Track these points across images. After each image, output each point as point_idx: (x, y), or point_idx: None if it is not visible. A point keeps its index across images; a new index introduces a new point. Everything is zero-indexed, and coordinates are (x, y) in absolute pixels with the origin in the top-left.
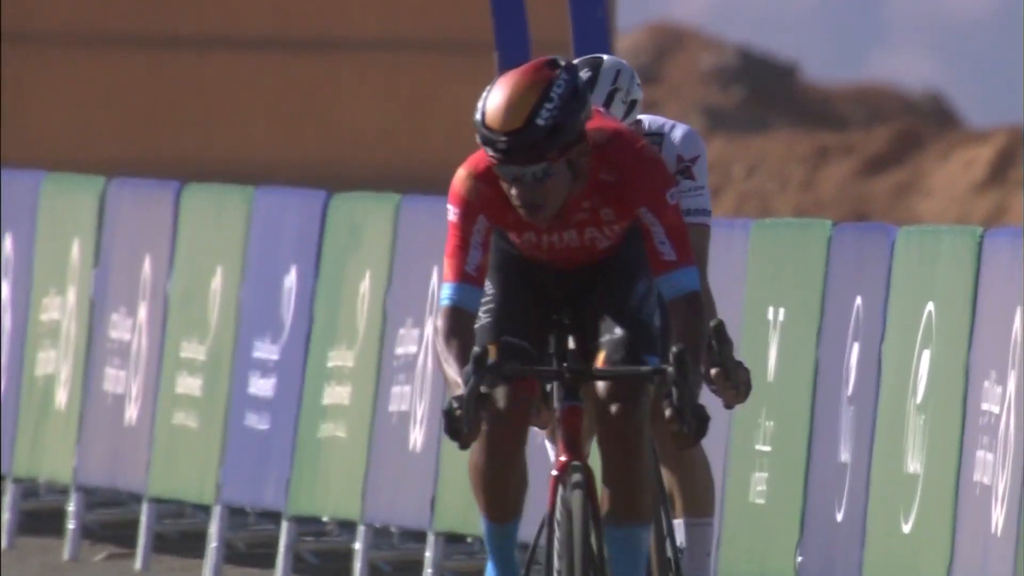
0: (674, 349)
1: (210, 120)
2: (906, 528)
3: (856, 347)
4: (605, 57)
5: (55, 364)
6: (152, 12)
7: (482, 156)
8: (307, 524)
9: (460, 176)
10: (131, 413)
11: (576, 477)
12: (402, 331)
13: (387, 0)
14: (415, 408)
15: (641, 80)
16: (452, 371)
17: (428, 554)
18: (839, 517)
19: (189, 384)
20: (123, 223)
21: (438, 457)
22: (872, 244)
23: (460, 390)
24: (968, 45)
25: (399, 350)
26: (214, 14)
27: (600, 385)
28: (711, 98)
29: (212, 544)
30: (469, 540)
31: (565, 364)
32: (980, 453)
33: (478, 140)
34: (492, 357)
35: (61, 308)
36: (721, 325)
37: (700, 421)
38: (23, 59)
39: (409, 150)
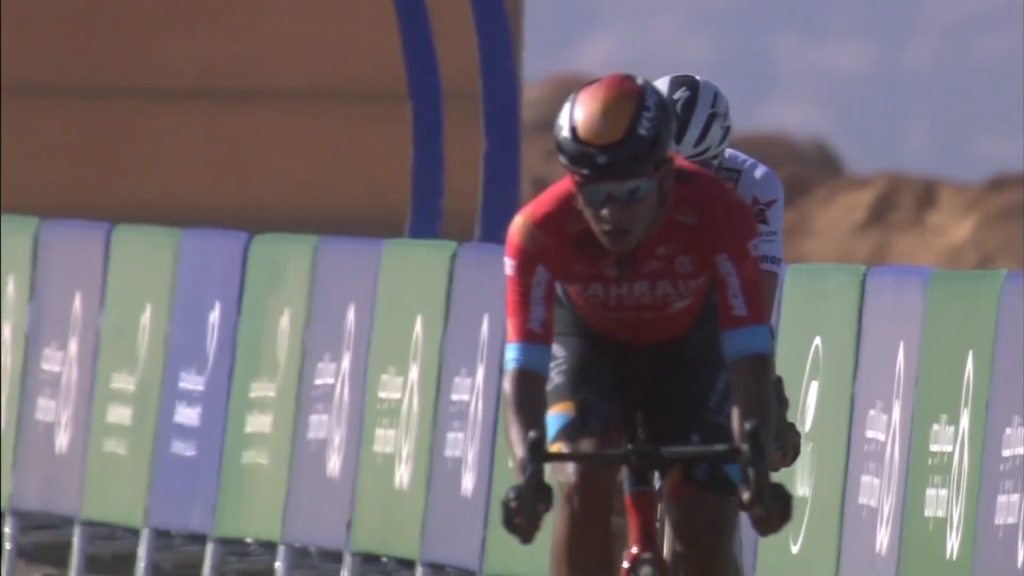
0: (747, 426)
1: (139, 167)
2: (795, 548)
3: None
4: (698, 78)
5: None
6: (85, 65)
7: (541, 203)
8: (231, 545)
9: (517, 224)
10: (63, 441)
11: (646, 571)
12: (320, 364)
13: (304, 54)
14: (332, 436)
15: (546, 129)
16: (520, 447)
17: (345, 574)
18: None
19: (119, 413)
20: (56, 262)
21: (355, 481)
22: None
23: (520, 475)
24: (850, 97)
25: (317, 381)
26: (143, 68)
27: (681, 511)
28: None
29: (141, 565)
30: (384, 560)
31: (631, 446)
32: (866, 478)
33: (564, 161)
34: (570, 411)
35: None
36: (780, 383)
37: (782, 502)
38: None
39: (326, 195)
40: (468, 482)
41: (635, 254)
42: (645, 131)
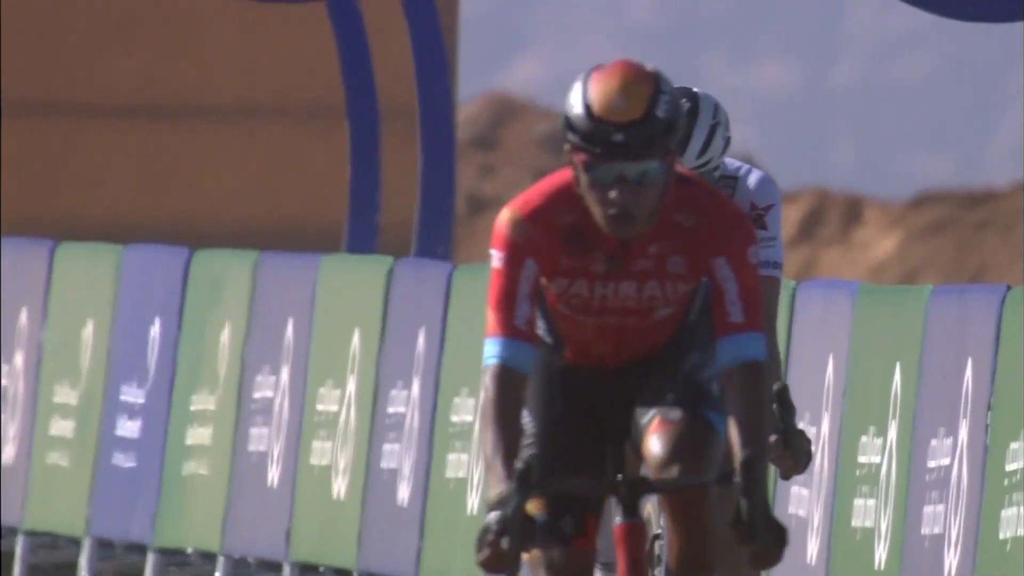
0: (741, 456)
1: (82, 183)
2: None
3: None
4: (696, 90)
5: None
6: (27, 82)
7: (528, 197)
8: (171, 555)
9: (504, 218)
10: (9, 453)
11: None
12: (259, 377)
13: (244, 70)
14: (272, 447)
15: (479, 146)
16: (496, 456)
17: None
18: None
19: (62, 426)
20: (1, 278)
21: (293, 492)
22: None
23: (497, 497)
24: (778, 115)
25: (256, 394)
26: (85, 84)
27: (660, 443)
28: (544, 163)
29: (83, 574)
30: (322, 570)
31: (620, 476)
32: (795, 489)
33: (574, 139)
34: (540, 511)
35: None
36: (785, 390)
37: (777, 533)
38: None
39: (265, 210)
40: (404, 492)
41: (626, 250)
42: (663, 113)
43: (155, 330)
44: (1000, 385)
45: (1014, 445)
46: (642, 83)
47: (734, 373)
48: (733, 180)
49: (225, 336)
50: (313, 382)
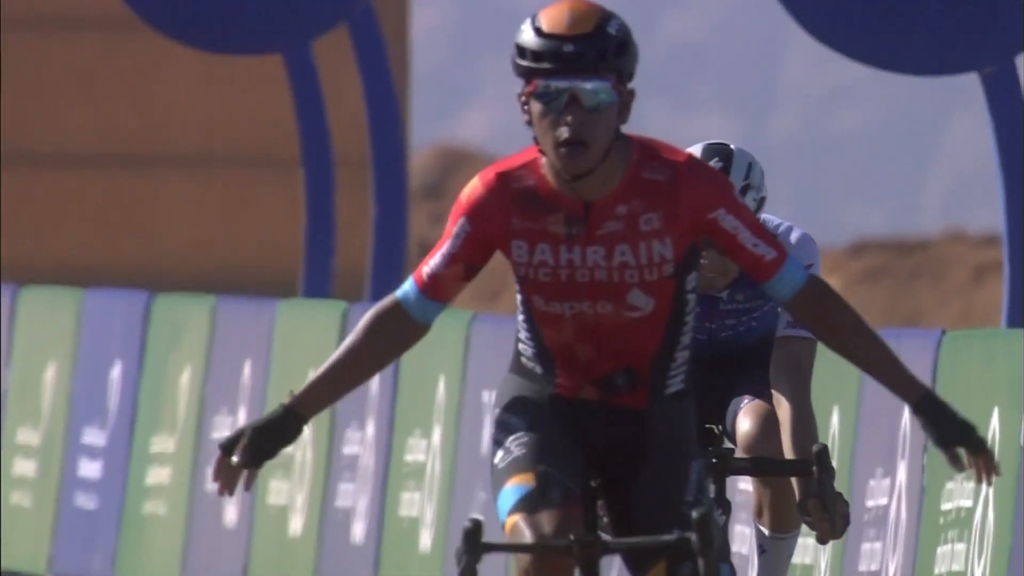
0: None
1: (43, 229)
2: None
3: None
4: (732, 146)
5: None
6: None
7: (492, 166)
8: None
9: (471, 182)
10: None
11: None
12: (217, 418)
13: (201, 120)
14: None
15: (430, 194)
16: (317, 373)
17: None
18: None
19: (25, 467)
20: None
21: (251, 530)
22: None
23: (267, 416)
24: None
25: (214, 435)
26: (45, 133)
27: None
28: None
29: None
30: None
31: (572, 538)
32: (739, 527)
33: (525, 63)
34: (530, 482)
35: None
36: (825, 452)
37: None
38: None
39: (223, 256)
40: (359, 530)
41: (590, 212)
42: (614, 31)
43: (116, 373)
44: None
45: (949, 485)
46: (592, 7)
47: (804, 302)
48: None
49: (184, 379)
50: None
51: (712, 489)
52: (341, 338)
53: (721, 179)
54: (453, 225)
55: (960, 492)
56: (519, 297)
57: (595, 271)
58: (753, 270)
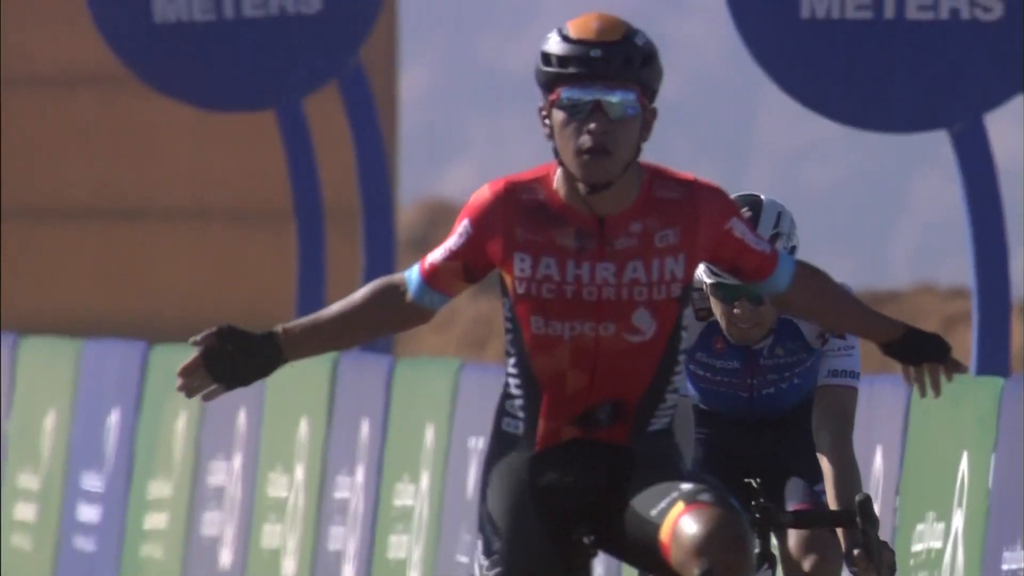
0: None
1: (43, 281)
2: None
3: None
4: (763, 196)
5: None
6: None
7: (511, 176)
8: None
9: (480, 188)
10: None
11: None
12: (212, 464)
13: (196, 175)
14: (225, 532)
15: (417, 246)
16: (311, 316)
17: None
18: None
19: (25, 511)
20: None
21: (244, 573)
22: None
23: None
24: None
25: (210, 480)
26: (44, 187)
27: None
28: None
29: None
30: None
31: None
32: None
33: (551, 70)
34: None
35: None
36: (868, 501)
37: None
38: None
39: (216, 306)
40: (348, 572)
41: (603, 227)
42: (641, 43)
43: (113, 420)
44: (908, 470)
45: (920, 527)
46: (619, 20)
47: (804, 283)
48: None
49: (180, 425)
50: (263, 468)
51: (757, 543)
52: (331, 386)
53: (724, 191)
54: (458, 225)
55: (931, 533)
56: (509, 326)
57: (603, 289)
58: (759, 268)
